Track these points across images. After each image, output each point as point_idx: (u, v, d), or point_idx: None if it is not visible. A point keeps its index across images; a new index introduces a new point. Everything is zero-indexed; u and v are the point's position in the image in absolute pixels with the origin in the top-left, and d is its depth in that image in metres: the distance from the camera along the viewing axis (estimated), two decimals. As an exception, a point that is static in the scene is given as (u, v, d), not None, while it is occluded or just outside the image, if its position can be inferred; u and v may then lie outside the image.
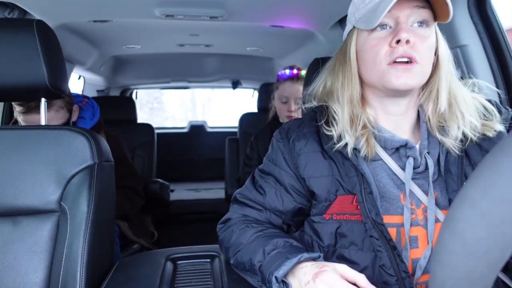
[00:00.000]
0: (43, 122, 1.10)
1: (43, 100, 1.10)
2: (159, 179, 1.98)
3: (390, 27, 0.70)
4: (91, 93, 2.86)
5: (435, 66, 0.73)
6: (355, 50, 0.75)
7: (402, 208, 0.72)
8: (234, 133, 2.85)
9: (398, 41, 0.67)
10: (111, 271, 0.91)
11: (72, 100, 1.37)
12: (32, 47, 0.96)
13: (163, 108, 10.78)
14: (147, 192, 1.84)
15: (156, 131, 3.47)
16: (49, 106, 1.28)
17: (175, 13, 1.39)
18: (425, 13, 0.69)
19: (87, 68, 2.40)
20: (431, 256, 0.69)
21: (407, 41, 0.66)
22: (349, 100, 0.75)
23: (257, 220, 0.81)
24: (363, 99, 0.77)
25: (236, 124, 2.45)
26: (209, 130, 3.52)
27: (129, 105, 2.28)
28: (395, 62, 0.68)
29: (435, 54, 0.73)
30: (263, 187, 0.82)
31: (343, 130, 0.73)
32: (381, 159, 0.74)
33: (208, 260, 0.97)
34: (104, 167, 1.03)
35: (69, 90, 1.37)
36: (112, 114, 2.22)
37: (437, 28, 0.74)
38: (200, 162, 3.34)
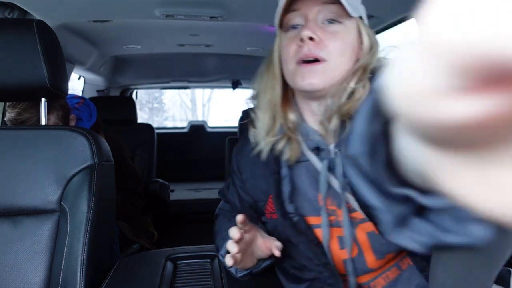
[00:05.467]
0: (43, 122, 1.10)
1: (43, 100, 1.10)
2: (159, 179, 1.98)
3: (302, 26, 0.68)
4: (91, 93, 2.86)
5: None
6: (277, 51, 0.73)
7: (324, 209, 0.71)
8: (234, 133, 2.85)
9: (302, 40, 0.65)
10: (111, 271, 0.92)
11: (68, 112, 1.36)
12: (33, 47, 0.96)
13: (163, 108, 10.78)
14: (147, 192, 1.84)
15: (156, 131, 3.51)
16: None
17: (175, 13, 1.39)
18: (335, 9, 0.66)
19: (87, 68, 2.39)
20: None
21: (311, 39, 0.65)
22: (268, 103, 0.74)
23: (229, 211, 0.90)
24: (288, 102, 0.75)
25: (236, 123, 2.45)
26: (209, 130, 3.52)
27: (129, 105, 2.28)
28: (303, 62, 0.66)
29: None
30: (229, 185, 0.90)
31: (259, 136, 0.74)
32: (307, 160, 0.73)
33: (208, 260, 0.97)
34: (104, 167, 1.03)
35: (64, 101, 1.36)
36: (112, 114, 2.22)
37: (364, 21, 0.71)
38: (200, 162, 3.34)
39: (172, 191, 2.89)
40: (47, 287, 0.90)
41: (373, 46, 0.70)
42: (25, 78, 0.97)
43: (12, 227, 0.94)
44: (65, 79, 1.08)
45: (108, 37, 2.03)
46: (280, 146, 0.72)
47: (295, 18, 0.68)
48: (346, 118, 0.67)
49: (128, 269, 0.92)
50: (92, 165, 0.99)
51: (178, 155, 3.33)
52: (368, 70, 0.67)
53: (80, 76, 2.69)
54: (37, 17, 1.45)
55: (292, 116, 0.73)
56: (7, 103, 1.29)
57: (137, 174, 1.66)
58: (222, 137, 2.62)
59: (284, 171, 0.73)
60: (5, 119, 1.25)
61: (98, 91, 2.90)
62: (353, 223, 0.69)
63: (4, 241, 0.93)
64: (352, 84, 0.66)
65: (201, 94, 9.66)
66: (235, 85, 3.14)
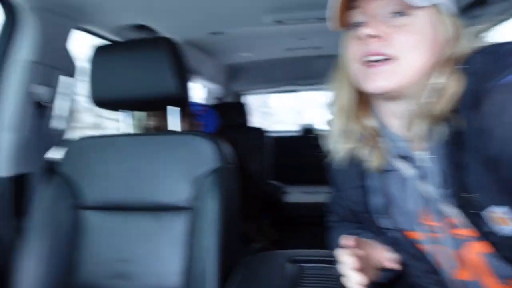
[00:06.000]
0: (172, 128, 1.22)
1: (175, 108, 1.22)
2: (273, 181, 2.03)
3: (365, 22, 0.61)
4: (211, 101, 3.11)
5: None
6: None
7: (421, 224, 0.64)
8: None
9: (362, 39, 0.59)
10: (238, 268, 0.97)
11: (195, 118, 1.49)
12: (164, 62, 1.08)
13: (271, 112, 11.06)
14: (262, 194, 1.90)
15: (270, 134, 3.63)
16: None
17: (284, 18, 1.41)
18: (399, 0, 0.58)
19: (206, 78, 2.61)
20: None
21: (373, 36, 0.58)
22: (341, 109, 0.68)
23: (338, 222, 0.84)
24: (364, 105, 0.68)
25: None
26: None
27: (242, 110, 2.40)
28: (369, 62, 0.59)
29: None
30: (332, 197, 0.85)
31: (333, 143, 0.69)
32: (395, 169, 0.65)
33: (333, 266, 0.95)
34: (230, 169, 1.10)
35: (193, 111, 1.49)
36: (227, 119, 2.37)
37: (445, 6, 0.61)
38: (313, 165, 3.32)
39: (287, 193, 2.95)
40: (186, 276, 0.98)
41: (459, 34, 0.61)
42: (157, 90, 1.09)
43: (154, 221, 1.07)
44: (188, 88, 1.18)
45: (223, 47, 2.18)
46: (361, 153, 0.67)
47: (356, 15, 0.62)
48: (438, 120, 0.58)
49: (252, 266, 0.96)
50: (218, 168, 1.06)
51: (291, 157, 3.37)
52: (454, 61, 0.59)
53: (202, 85, 2.96)
54: (164, 34, 1.63)
55: (371, 121, 0.68)
56: (147, 113, 1.47)
57: (251, 175, 1.73)
58: None
59: (373, 181, 0.67)
60: (146, 126, 1.43)
61: (216, 98, 3.13)
62: (458, 240, 0.60)
63: (148, 233, 1.05)
64: (438, 80, 0.58)
65: (308, 98, 9.66)
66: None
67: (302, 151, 3.34)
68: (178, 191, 1.06)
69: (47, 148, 1.13)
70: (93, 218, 1.09)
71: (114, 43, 1.14)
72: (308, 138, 3.40)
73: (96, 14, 1.28)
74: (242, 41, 2.14)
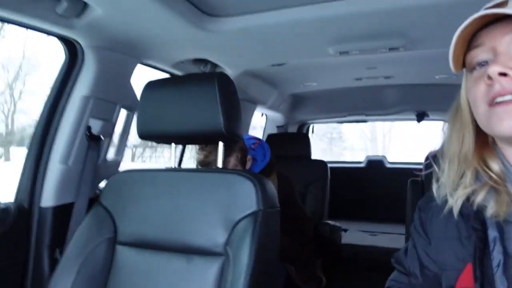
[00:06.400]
0: (219, 165, 1.18)
1: (220, 144, 1.18)
2: (329, 221, 1.88)
3: (492, 61, 0.55)
4: (272, 129, 3.06)
5: None
6: (465, 95, 0.62)
7: None
8: (419, 170, 2.50)
9: (490, 78, 0.53)
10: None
11: (245, 153, 1.44)
12: (212, 97, 1.05)
13: (342, 137, 10.74)
14: (317, 234, 1.76)
15: (332, 165, 3.46)
16: (224, 165, 1.38)
17: (350, 49, 1.31)
18: None
19: (268, 107, 2.58)
20: None
21: (503, 74, 0.52)
22: (456, 155, 0.62)
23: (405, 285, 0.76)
24: (485, 148, 0.62)
25: (421, 160, 2.13)
26: (388, 166, 3.23)
27: (304, 142, 2.30)
28: (497, 103, 0.53)
29: None
30: (407, 249, 0.76)
31: (445, 191, 0.62)
32: None
33: None
34: (269, 214, 1.01)
35: (243, 143, 1.45)
36: (287, 150, 2.29)
37: None
38: (377, 201, 3.08)
39: (345, 231, 2.74)
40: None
41: None
42: (206, 125, 1.06)
43: (185, 263, 1.01)
44: (239, 124, 1.13)
45: (286, 77, 2.13)
46: (480, 198, 0.58)
47: (480, 54, 0.57)
48: None
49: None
50: (256, 212, 0.98)
51: (353, 192, 3.17)
52: None
53: (262, 114, 2.93)
54: (225, 67, 1.63)
55: (494, 166, 0.60)
56: (197, 146, 1.46)
57: (306, 215, 1.61)
58: (403, 175, 2.33)
59: (491, 231, 0.58)
60: (195, 161, 1.42)
61: (278, 126, 3.08)
62: None
63: (178, 275, 1.00)
64: None
65: (381, 124, 9.22)
66: (421, 117, 2.79)
67: (365, 186, 3.12)
68: (213, 234, 1.00)
69: (99, 180, 1.15)
70: (126, 254, 1.07)
71: (164, 79, 1.15)
72: (373, 171, 3.17)
73: (157, 51, 1.32)
74: (307, 71, 2.07)
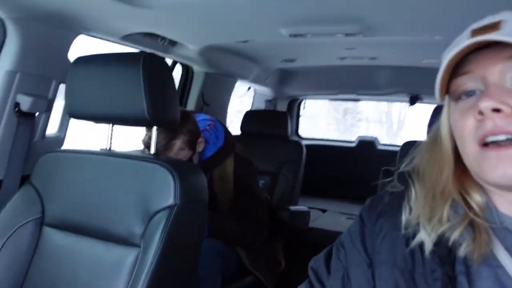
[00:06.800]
0: (152, 150, 1.12)
1: (154, 128, 1.12)
2: (293, 207, 1.83)
3: (481, 91, 0.48)
4: (260, 103, 2.97)
5: None
6: (447, 124, 0.54)
7: None
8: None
9: (481, 113, 0.46)
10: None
11: (195, 136, 1.38)
12: (136, 79, 0.98)
13: (357, 109, 10.37)
14: (277, 219, 1.72)
15: (323, 142, 3.37)
16: (168, 148, 1.32)
17: (304, 32, 1.20)
18: None
19: (251, 81, 2.48)
20: None
21: (496, 110, 0.45)
22: (432, 187, 0.54)
23: None
24: (466, 176, 0.53)
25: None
26: (380, 147, 3.13)
27: (281, 121, 2.22)
28: (488, 144, 0.46)
29: None
30: (332, 264, 0.62)
31: (417, 222, 0.53)
32: (501, 266, 0.48)
33: None
34: (188, 208, 0.97)
35: (194, 125, 1.38)
36: (263, 128, 2.22)
37: None
38: (366, 183, 3.00)
39: (324, 211, 2.71)
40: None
41: None
42: (129, 107, 1.00)
43: (104, 251, 0.99)
44: (169, 109, 1.06)
45: (263, 53, 2.02)
46: (457, 234, 0.50)
47: (467, 82, 0.49)
48: None
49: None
50: (172, 206, 0.94)
51: (342, 172, 3.10)
52: None
53: (249, 88, 2.83)
54: (181, 42, 1.54)
55: (476, 197, 0.52)
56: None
57: (262, 200, 1.57)
58: (395, 158, 2.24)
59: (460, 278, 0.50)
60: (141, 140, 1.37)
61: (266, 101, 2.98)
62: None
63: (97, 262, 0.98)
64: None
65: (398, 107, 8.93)
66: (413, 100, 2.65)
67: (354, 166, 3.04)
68: (131, 225, 0.97)
69: (36, 158, 1.12)
70: (52, 236, 1.06)
71: (93, 55, 1.07)
72: (364, 151, 3.08)
73: (96, 23, 1.24)
74: (284, 48, 1.95)
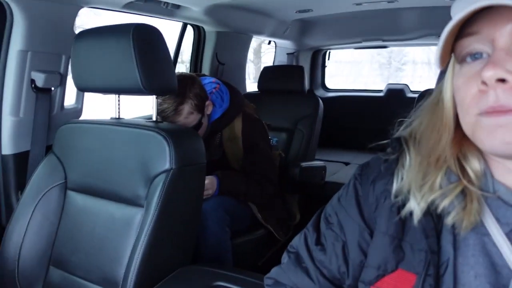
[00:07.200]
0: (154, 117, 1.19)
1: (153, 97, 1.18)
2: (304, 163, 1.86)
3: (489, 55, 0.43)
4: (282, 56, 2.92)
5: None
6: (450, 88, 0.50)
7: None
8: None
9: (484, 83, 0.41)
10: (162, 280, 0.95)
11: (203, 99, 1.42)
12: (128, 51, 1.02)
13: (403, 51, 9.73)
14: (288, 175, 1.77)
15: (349, 93, 3.28)
16: (178, 113, 1.38)
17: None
18: None
19: (268, 35, 2.43)
20: None
21: (501, 81, 0.40)
22: (429, 152, 0.51)
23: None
24: (464, 141, 0.50)
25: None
26: (410, 95, 3.00)
27: (298, 75, 2.18)
28: (489, 112, 0.42)
29: None
30: (326, 238, 0.60)
31: (409, 190, 0.51)
32: (488, 234, 0.47)
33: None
34: (183, 171, 1.04)
35: (200, 89, 1.42)
36: (280, 84, 2.21)
37: None
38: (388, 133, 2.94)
39: (347, 164, 2.71)
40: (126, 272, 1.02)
41: None
42: (125, 78, 1.06)
43: (117, 210, 1.10)
44: (164, 78, 1.11)
45: (274, 5, 1.96)
46: (447, 202, 0.48)
47: (474, 43, 0.44)
48: None
49: (174, 283, 0.94)
50: (168, 170, 1.02)
51: (368, 123, 3.03)
52: None
53: (269, 42, 2.78)
54: (185, 4, 1.53)
55: (475, 163, 0.49)
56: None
57: (271, 159, 1.61)
58: None
59: (445, 249, 0.49)
60: None
61: (288, 54, 2.93)
62: None
63: (111, 221, 1.10)
64: None
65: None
66: (444, 42, 2.46)
67: (384, 116, 2.95)
68: (136, 188, 1.07)
69: (56, 128, 1.24)
70: (74, 199, 1.19)
71: (92, 29, 1.13)
72: (393, 100, 2.96)
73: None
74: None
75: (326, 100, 2.45)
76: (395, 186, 0.53)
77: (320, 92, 3.23)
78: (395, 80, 9.82)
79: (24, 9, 1.13)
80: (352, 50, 3.32)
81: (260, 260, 1.64)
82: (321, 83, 3.30)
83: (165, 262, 1.03)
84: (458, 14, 0.42)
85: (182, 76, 1.41)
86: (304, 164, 1.81)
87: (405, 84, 3.05)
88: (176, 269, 1.01)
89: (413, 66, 10.08)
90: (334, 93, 3.27)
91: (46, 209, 1.20)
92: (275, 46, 2.89)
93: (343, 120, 2.95)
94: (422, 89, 2.93)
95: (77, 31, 1.30)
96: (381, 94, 3.11)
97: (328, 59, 3.20)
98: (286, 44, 2.83)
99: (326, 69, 3.30)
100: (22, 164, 1.30)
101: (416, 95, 2.99)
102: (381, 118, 3.02)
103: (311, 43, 2.85)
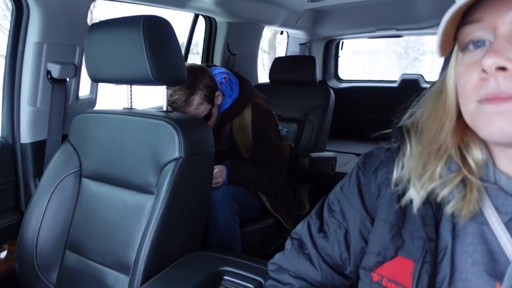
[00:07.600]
0: (164, 107, 1.22)
1: (164, 87, 1.21)
2: (314, 153, 1.86)
3: (491, 43, 0.43)
4: (295, 47, 2.91)
5: None
6: (453, 77, 0.50)
7: None
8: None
9: (485, 71, 0.42)
10: (171, 265, 0.99)
11: (213, 90, 1.44)
12: (138, 42, 1.05)
13: (421, 41, 9.52)
14: (297, 165, 1.79)
15: (363, 84, 3.25)
16: (188, 104, 1.40)
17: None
18: None
19: (281, 25, 2.42)
20: None
21: (502, 69, 0.40)
22: (430, 141, 0.51)
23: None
24: (467, 130, 0.50)
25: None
26: (425, 85, 2.95)
27: (309, 65, 2.18)
28: (489, 99, 0.42)
29: None
30: (328, 225, 0.63)
31: (408, 179, 0.52)
32: (487, 223, 0.47)
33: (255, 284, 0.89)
34: (191, 160, 1.07)
35: (210, 80, 1.44)
36: (291, 74, 2.21)
37: None
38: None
39: (359, 155, 2.69)
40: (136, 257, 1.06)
41: None
42: (135, 70, 1.09)
43: (129, 197, 1.14)
44: (175, 69, 1.13)
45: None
46: (447, 191, 0.49)
47: (476, 31, 0.44)
48: None
49: (181, 268, 0.97)
50: (177, 158, 1.05)
51: (382, 114, 3.01)
52: None
53: (282, 32, 2.77)
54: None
55: (477, 153, 0.49)
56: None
57: (280, 149, 1.63)
58: None
59: (443, 237, 0.50)
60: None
61: (300, 44, 2.91)
62: None
63: (124, 207, 1.14)
64: None
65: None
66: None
67: (398, 107, 2.92)
68: (147, 175, 1.10)
69: (71, 118, 1.28)
70: (89, 186, 1.24)
71: (104, 21, 1.16)
72: (408, 91, 2.92)
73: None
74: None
75: (339, 90, 2.45)
76: (395, 175, 0.54)
77: (333, 83, 3.21)
78: (412, 70, 9.63)
79: (39, 1, 1.17)
80: (368, 39, 3.27)
81: (269, 248, 1.66)
82: (334, 73, 3.27)
83: (174, 247, 1.06)
84: (455, 4, 0.42)
85: (192, 67, 1.43)
86: (314, 154, 1.82)
87: (420, 75, 3.00)
88: (185, 255, 1.05)
89: (431, 56, 9.85)
90: (348, 83, 3.25)
91: (62, 196, 1.25)
92: (288, 37, 2.89)
93: (356, 111, 2.94)
94: (439, 79, 2.88)
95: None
96: (395, 84, 3.07)
97: (341, 49, 3.17)
98: (299, 34, 2.82)
99: (342, 60, 3.28)
100: (39, 152, 1.35)
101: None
102: (394, 109, 3.01)
103: (323, 33, 2.83)
